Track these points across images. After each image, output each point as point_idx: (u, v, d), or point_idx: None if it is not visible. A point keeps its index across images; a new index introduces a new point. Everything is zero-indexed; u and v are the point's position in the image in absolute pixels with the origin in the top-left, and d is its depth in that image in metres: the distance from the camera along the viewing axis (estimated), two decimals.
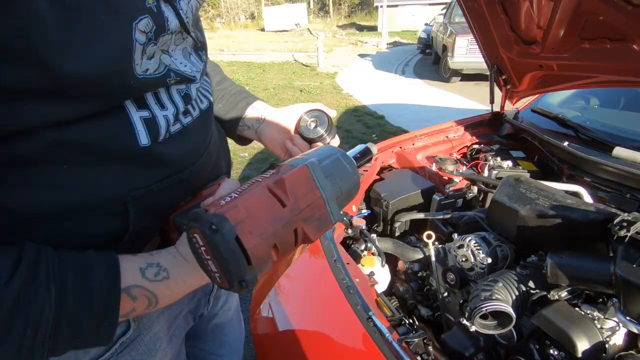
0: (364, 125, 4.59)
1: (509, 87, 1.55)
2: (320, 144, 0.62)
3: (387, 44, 16.01)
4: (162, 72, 0.41)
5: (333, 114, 0.65)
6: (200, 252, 0.33)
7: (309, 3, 40.66)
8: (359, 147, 0.57)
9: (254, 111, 0.67)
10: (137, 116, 0.40)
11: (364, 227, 1.14)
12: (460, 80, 7.08)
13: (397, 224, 1.23)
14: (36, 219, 0.36)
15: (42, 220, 0.36)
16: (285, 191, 0.35)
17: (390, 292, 1.25)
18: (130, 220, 0.41)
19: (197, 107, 0.50)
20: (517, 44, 1.32)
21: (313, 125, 0.62)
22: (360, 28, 31.73)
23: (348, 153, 0.52)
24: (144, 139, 0.40)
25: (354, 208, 1.23)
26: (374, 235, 1.11)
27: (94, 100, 0.35)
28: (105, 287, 0.35)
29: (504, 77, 1.50)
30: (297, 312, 0.91)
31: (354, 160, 0.47)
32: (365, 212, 1.33)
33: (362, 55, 12.47)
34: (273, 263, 0.35)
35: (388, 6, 17.89)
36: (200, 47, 0.51)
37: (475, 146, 1.54)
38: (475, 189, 1.33)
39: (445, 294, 1.03)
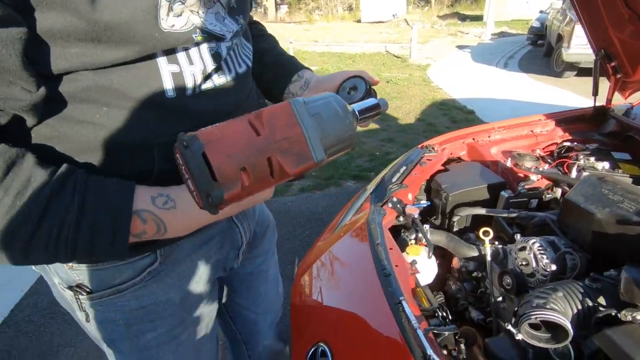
0: (450, 119, 4.32)
1: (619, 76, 1.31)
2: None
3: (492, 34, 14.63)
4: (189, 29, 0.45)
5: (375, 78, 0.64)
6: (182, 172, 0.37)
7: None
8: (370, 101, 0.55)
9: (299, 79, 0.70)
10: (166, 69, 0.45)
11: (416, 216, 1.09)
12: (576, 75, 6.15)
13: (455, 218, 1.15)
14: (80, 150, 0.44)
15: (84, 153, 0.44)
16: (262, 122, 0.37)
17: (441, 288, 1.18)
18: (155, 163, 0.46)
19: (233, 69, 0.54)
20: (632, 22, 1.10)
21: (351, 91, 0.61)
22: (464, 18, 29.45)
23: (356, 104, 0.51)
24: (170, 91, 0.46)
25: (410, 196, 1.19)
26: (426, 226, 1.06)
27: (124, 48, 0.41)
28: (120, 206, 0.42)
29: (613, 64, 1.27)
30: (333, 289, 0.92)
31: (349, 107, 0.46)
32: (424, 202, 1.26)
33: (460, 47, 11.63)
34: (244, 187, 0.36)
35: None
36: (236, 11, 0.55)
37: (567, 143, 1.34)
38: (558, 191, 1.16)
39: (500, 298, 0.94)
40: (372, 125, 4.14)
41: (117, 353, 0.60)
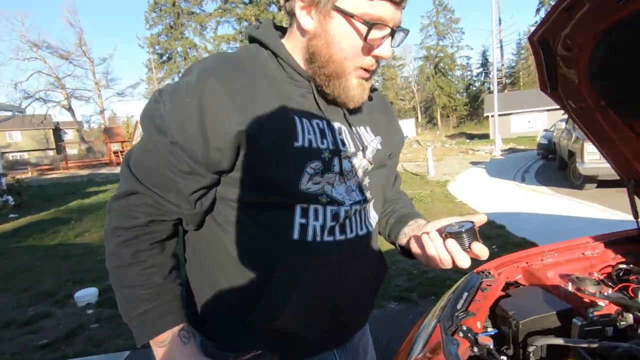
0: (482, 234, 4.31)
1: None
2: (454, 241, 0.66)
3: (502, 150, 15.57)
4: (318, 192, 0.66)
5: (483, 219, 0.71)
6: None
7: (416, 117, 43.46)
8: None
9: (414, 223, 0.81)
10: (297, 221, 0.65)
11: (491, 346, 1.09)
12: (597, 187, 6.30)
13: (531, 348, 1.13)
14: (212, 261, 0.71)
15: (215, 264, 0.71)
16: None
17: None
18: (272, 283, 0.66)
19: (355, 230, 0.70)
20: None
21: (456, 227, 0.68)
22: (470, 137, 31.89)
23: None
24: (295, 235, 0.65)
25: (479, 324, 1.20)
26: (503, 358, 1.04)
27: (275, 196, 0.64)
28: (154, 328, 0.66)
29: None
30: None
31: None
32: (491, 330, 1.25)
33: (474, 163, 12.31)
34: None
35: (500, 115, 17.88)
36: (366, 188, 0.73)
37: (623, 266, 1.37)
38: (630, 317, 1.15)
39: None
40: None
41: None
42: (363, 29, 0.60)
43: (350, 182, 0.70)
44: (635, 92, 1.12)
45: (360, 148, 0.71)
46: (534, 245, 3.72)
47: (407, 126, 30.30)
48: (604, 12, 0.91)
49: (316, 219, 0.66)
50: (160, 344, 0.65)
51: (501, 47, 42.25)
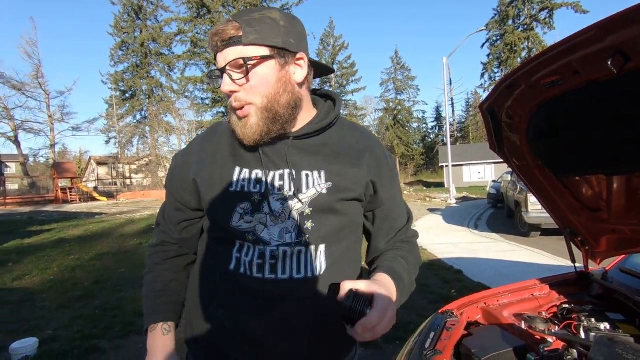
0: (442, 279, 4.52)
1: (587, 247, 1.63)
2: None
3: (456, 198, 16.47)
4: (247, 230, 0.76)
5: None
6: None
7: None
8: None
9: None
10: (235, 254, 0.78)
11: None
12: (541, 234, 6.84)
13: None
14: (196, 270, 0.89)
15: (196, 273, 0.88)
16: None
17: None
18: (215, 298, 0.81)
19: (288, 271, 0.74)
20: (583, 210, 1.48)
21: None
22: (427, 185, 33.53)
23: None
24: (232, 266, 0.77)
25: None
26: None
27: (218, 231, 0.81)
28: (148, 320, 0.85)
29: (579, 238, 1.61)
30: None
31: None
32: None
33: (431, 210, 12.89)
34: None
35: (453, 165, 19.23)
36: (305, 232, 0.76)
37: (565, 306, 1.54)
38: (574, 352, 1.29)
39: None
40: None
41: None
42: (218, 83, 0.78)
43: (287, 224, 0.75)
44: (565, 154, 1.35)
45: (296, 191, 0.76)
46: (488, 288, 3.93)
47: None
48: (536, 92, 1.13)
49: (246, 255, 0.77)
50: (151, 332, 0.84)
51: (452, 104, 46.55)
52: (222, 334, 0.79)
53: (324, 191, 0.78)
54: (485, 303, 1.58)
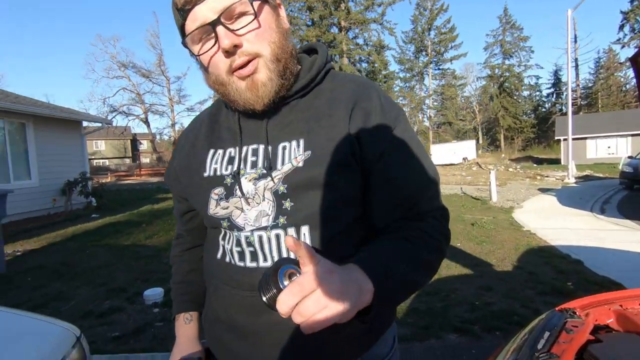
0: (555, 269, 3.96)
1: None
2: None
3: (576, 177, 14.24)
4: (223, 217, 0.70)
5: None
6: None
7: (477, 139, 41.43)
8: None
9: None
10: (220, 242, 0.74)
11: None
12: None
13: None
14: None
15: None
16: None
17: None
18: (213, 279, 0.79)
19: (269, 258, 0.66)
20: None
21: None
22: (538, 161, 29.58)
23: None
24: (219, 255, 0.74)
25: None
26: None
27: (204, 219, 0.76)
28: (174, 310, 0.88)
29: None
30: None
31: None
32: None
33: (543, 190, 11.39)
34: None
35: (574, 139, 16.40)
36: (284, 212, 0.65)
37: None
38: None
39: None
40: (466, 270, 3.96)
41: None
42: (194, 49, 0.65)
43: (263, 205, 0.66)
44: None
45: (267, 168, 0.66)
46: (619, 286, 3.28)
47: (467, 147, 28.99)
48: None
49: (228, 242, 0.72)
50: (176, 321, 0.87)
51: (576, 66, 39.15)
52: (219, 325, 0.76)
53: (300, 164, 0.64)
54: (621, 305, 1.29)
